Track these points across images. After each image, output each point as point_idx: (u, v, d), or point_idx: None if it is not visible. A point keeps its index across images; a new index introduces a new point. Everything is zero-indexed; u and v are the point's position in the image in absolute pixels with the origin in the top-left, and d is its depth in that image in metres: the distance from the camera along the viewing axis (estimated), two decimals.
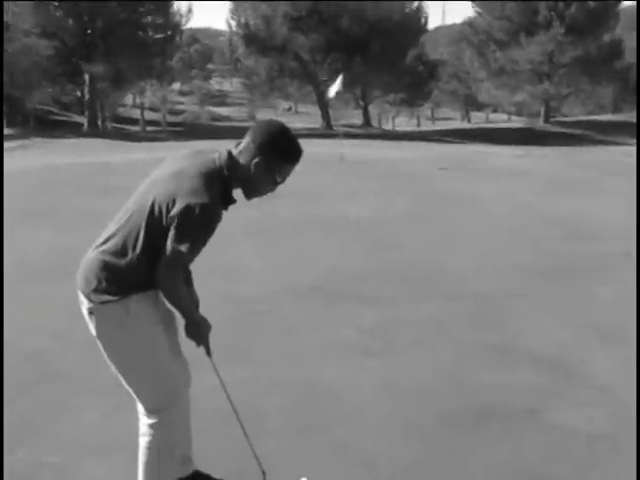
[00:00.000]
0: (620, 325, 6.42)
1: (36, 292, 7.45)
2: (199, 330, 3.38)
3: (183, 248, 3.07)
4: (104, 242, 3.26)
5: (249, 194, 3.34)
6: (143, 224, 3.14)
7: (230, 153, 3.24)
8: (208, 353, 3.48)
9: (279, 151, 3.23)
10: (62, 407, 4.85)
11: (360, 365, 5.59)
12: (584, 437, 4.42)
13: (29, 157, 24.46)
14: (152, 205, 3.13)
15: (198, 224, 3.07)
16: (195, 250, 3.13)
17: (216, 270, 7.46)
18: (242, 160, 3.22)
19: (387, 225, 11.29)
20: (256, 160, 3.20)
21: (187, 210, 3.04)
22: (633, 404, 4.79)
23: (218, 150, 3.30)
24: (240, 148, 3.25)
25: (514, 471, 4.03)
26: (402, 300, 7.25)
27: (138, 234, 3.15)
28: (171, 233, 3.07)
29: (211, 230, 3.11)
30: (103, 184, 15.16)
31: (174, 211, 3.06)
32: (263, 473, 3.65)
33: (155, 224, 3.11)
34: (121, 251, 3.18)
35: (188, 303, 3.35)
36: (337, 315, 6.77)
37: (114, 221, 3.31)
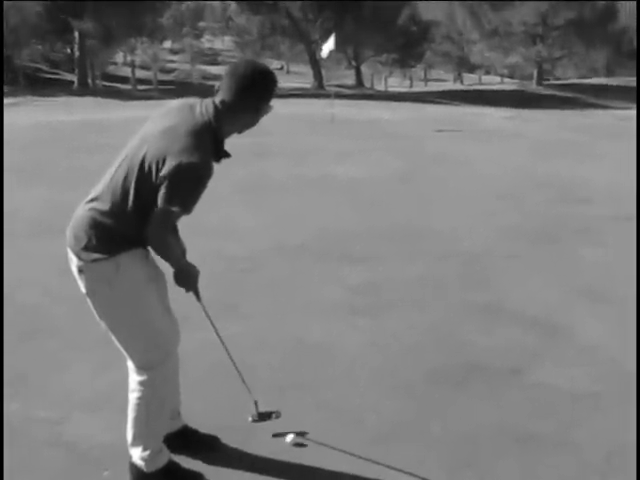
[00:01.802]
0: (607, 287, 6.48)
1: (27, 248, 7.46)
2: (187, 276, 3.41)
3: (174, 208, 3.08)
4: (94, 199, 3.26)
5: (240, 131, 3.36)
6: (133, 181, 3.13)
7: (215, 106, 3.22)
8: (198, 298, 3.53)
9: (262, 93, 3.24)
10: (52, 362, 4.89)
11: (348, 323, 5.63)
12: (567, 396, 4.48)
13: (20, 114, 24.24)
14: (142, 162, 3.11)
15: (189, 183, 3.07)
16: (186, 209, 3.12)
17: (204, 228, 7.46)
18: (228, 111, 3.21)
19: (377, 186, 11.28)
20: (249, 110, 3.23)
21: (178, 170, 3.02)
22: (617, 364, 4.86)
23: (203, 101, 3.27)
24: (222, 97, 3.21)
25: (498, 428, 4.09)
26: (391, 259, 7.29)
27: (127, 191, 3.14)
28: (162, 192, 3.06)
29: (202, 188, 3.11)
30: (94, 142, 15.09)
31: (165, 171, 3.04)
32: (255, 402, 3.82)
33: (145, 181, 3.10)
34: (110, 208, 3.18)
35: (178, 254, 3.39)
36: (326, 274, 6.80)
37: (103, 178, 3.30)
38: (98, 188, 3.28)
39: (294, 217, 9.09)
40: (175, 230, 3.51)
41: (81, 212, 3.28)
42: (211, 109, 3.21)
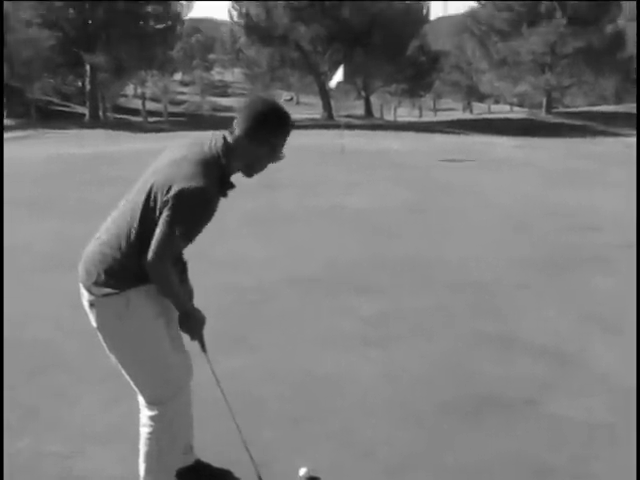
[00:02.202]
0: (620, 315, 6.44)
1: (39, 282, 7.48)
2: (192, 322, 3.35)
3: (174, 232, 3.05)
4: (104, 234, 3.27)
5: (250, 174, 3.34)
6: (138, 215, 3.14)
7: (225, 140, 3.22)
8: (202, 348, 3.46)
9: (275, 130, 3.23)
10: (63, 396, 4.88)
11: (359, 354, 5.61)
12: (583, 427, 4.43)
13: (32, 147, 24.45)
14: (149, 194, 3.12)
15: (192, 208, 3.05)
16: (187, 236, 3.11)
17: (214, 260, 7.48)
18: (240, 148, 3.20)
19: (387, 216, 11.29)
20: (259, 147, 3.20)
21: (181, 194, 3.02)
22: (632, 393, 4.81)
23: (214, 135, 3.28)
24: (235, 135, 3.21)
25: (513, 461, 4.05)
26: (402, 290, 7.27)
27: (135, 225, 3.15)
28: (163, 216, 3.05)
29: (205, 216, 3.10)
30: (106, 174, 15.18)
31: (168, 195, 3.04)
32: (259, 478, 3.61)
33: (149, 214, 3.10)
34: (119, 243, 3.18)
35: (180, 292, 3.30)
36: (336, 305, 6.79)
37: (114, 213, 3.32)
38: (108, 223, 3.30)
39: (304, 248, 9.09)
40: (183, 272, 3.47)
41: (92, 247, 3.29)
42: (220, 143, 3.21)
